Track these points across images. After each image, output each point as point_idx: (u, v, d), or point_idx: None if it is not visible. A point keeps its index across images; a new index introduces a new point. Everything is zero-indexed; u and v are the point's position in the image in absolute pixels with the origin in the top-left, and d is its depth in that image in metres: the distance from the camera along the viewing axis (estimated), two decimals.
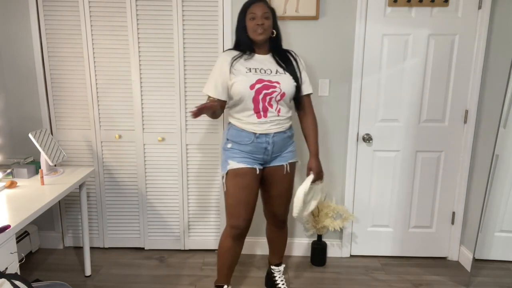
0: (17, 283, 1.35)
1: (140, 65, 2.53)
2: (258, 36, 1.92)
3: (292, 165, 2.08)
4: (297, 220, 2.70)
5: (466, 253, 2.63)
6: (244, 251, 2.69)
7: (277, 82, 1.92)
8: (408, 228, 2.72)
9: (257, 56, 1.99)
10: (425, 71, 2.48)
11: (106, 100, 2.60)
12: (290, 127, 2.05)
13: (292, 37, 2.46)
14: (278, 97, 1.92)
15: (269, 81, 1.91)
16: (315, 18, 2.43)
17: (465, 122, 2.54)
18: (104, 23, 2.48)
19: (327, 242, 2.70)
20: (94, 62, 2.53)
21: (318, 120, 2.56)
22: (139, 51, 2.51)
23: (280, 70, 1.97)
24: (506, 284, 2.39)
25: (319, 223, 2.57)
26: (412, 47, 2.45)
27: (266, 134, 1.95)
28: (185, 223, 2.76)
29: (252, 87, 1.89)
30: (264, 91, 1.90)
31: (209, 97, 1.97)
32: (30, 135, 2.16)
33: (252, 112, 1.93)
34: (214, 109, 1.81)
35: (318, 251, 2.64)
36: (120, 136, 2.65)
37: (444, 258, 2.75)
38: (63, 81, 2.58)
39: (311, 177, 2.02)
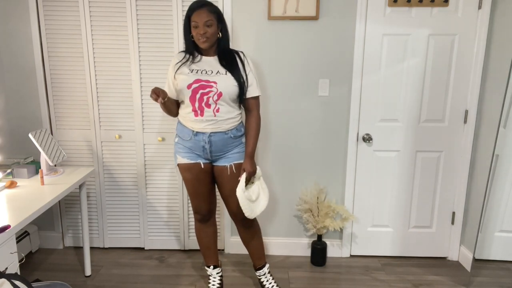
0: (17, 283, 1.35)
1: (140, 65, 2.53)
2: (202, 44, 1.94)
3: (240, 166, 2.07)
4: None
5: (466, 253, 2.63)
6: (243, 250, 2.69)
7: (214, 82, 1.93)
8: (408, 228, 2.72)
9: (204, 58, 2.01)
10: (425, 71, 2.48)
11: (106, 100, 2.60)
12: (235, 129, 2.04)
13: (292, 37, 2.46)
14: (216, 97, 1.94)
15: (207, 81, 1.94)
16: (315, 18, 2.42)
17: (465, 122, 2.54)
18: (104, 23, 2.48)
19: (327, 242, 2.70)
20: (94, 62, 2.54)
21: (318, 120, 2.57)
22: (139, 51, 2.51)
23: (222, 70, 1.97)
24: (506, 284, 2.39)
25: (319, 223, 2.57)
26: (412, 47, 2.45)
27: (203, 133, 1.99)
28: (185, 223, 2.76)
29: (189, 86, 1.94)
30: (201, 91, 1.94)
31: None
32: (30, 135, 2.16)
33: (191, 110, 1.98)
34: (162, 106, 1.96)
35: (318, 251, 2.64)
36: (120, 136, 2.65)
37: (444, 258, 2.75)
38: (63, 81, 2.58)
39: (243, 176, 2.02)
